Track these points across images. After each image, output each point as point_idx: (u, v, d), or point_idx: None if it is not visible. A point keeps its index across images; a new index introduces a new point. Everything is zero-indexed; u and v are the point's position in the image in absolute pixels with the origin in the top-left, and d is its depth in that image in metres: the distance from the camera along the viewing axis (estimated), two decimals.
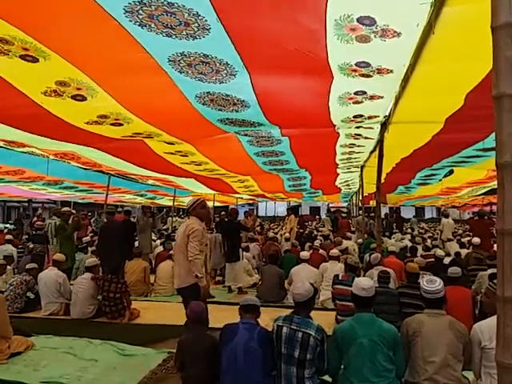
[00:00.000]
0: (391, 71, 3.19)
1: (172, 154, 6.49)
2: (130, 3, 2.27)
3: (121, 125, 4.06)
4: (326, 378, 3.06)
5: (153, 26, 2.45)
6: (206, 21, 2.38)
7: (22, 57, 2.86)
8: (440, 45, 2.65)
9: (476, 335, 2.79)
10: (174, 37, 2.56)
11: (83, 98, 3.44)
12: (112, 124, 4.01)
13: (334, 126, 4.81)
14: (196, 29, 2.46)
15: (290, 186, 11.61)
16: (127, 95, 3.47)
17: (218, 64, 2.88)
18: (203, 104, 3.57)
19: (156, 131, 4.58)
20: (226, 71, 2.98)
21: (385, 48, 2.74)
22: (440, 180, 10.31)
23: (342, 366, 2.89)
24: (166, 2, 2.26)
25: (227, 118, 4.01)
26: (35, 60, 2.91)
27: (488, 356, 2.67)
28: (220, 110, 3.71)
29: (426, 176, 9.70)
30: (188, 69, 2.93)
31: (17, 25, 2.51)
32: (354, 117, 4.26)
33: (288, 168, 8.08)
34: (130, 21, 2.42)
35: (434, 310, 2.91)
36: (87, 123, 3.93)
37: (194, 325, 3.26)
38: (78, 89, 3.30)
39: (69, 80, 3.18)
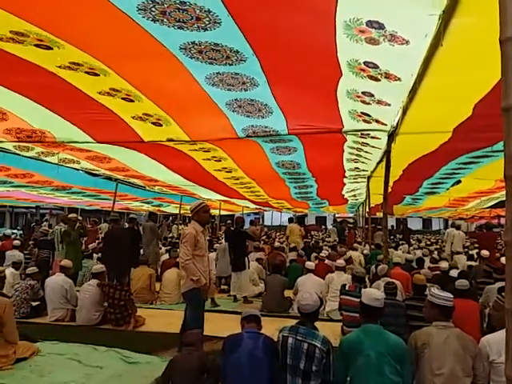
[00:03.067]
0: (399, 79, 3.20)
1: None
2: (143, 2, 2.43)
3: (131, 101, 4.15)
4: None
5: (165, 20, 2.61)
6: (217, 16, 2.53)
7: (37, 45, 3.03)
8: (448, 55, 2.66)
9: (484, 349, 2.75)
10: (185, 29, 2.72)
11: (95, 75, 3.56)
12: (123, 98, 4.12)
13: (342, 128, 4.79)
14: (207, 22, 2.62)
15: (296, 194, 11.59)
16: (138, 77, 3.60)
17: (228, 51, 3.01)
18: (212, 85, 3.62)
19: (164, 116, 4.58)
20: (236, 57, 3.10)
21: (393, 53, 2.76)
22: (447, 189, 10.17)
23: (348, 378, 2.84)
24: (178, 1, 2.42)
25: (235, 99, 4.03)
26: (49, 48, 3.07)
27: (497, 371, 2.62)
28: (229, 89, 3.73)
29: (433, 184, 9.57)
30: (199, 55, 3.07)
31: (31, 20, 2.68)
32: (362, 113, 4.22)
33: (299, 172, 8.07)
34: (143, 17, 2.58)
35: (442, 323, 2.88)
36: (99, 93, 3.98)
37: (185, 346, 3.29)
38: (91, 68, 3.45)
39: (82, 62, 3.32)
